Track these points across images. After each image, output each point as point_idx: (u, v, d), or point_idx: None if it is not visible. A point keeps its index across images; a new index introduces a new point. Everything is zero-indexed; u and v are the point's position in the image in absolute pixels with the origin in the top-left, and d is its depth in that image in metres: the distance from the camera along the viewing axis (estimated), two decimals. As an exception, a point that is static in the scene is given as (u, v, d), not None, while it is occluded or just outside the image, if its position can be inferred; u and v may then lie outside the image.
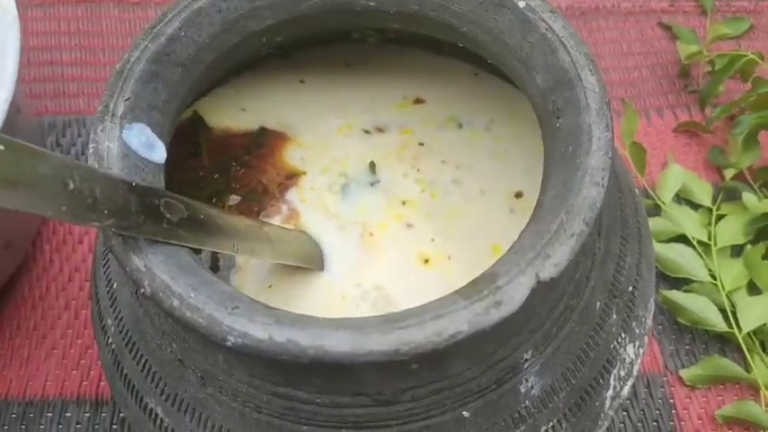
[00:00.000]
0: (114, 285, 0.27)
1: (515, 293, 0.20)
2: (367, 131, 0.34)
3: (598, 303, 0.25)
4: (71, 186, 0.18)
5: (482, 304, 0.20)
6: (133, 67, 0.25)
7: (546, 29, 0.26)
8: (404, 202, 0.32)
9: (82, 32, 0.46)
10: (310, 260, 0.29)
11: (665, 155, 0.46)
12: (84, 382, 0.36)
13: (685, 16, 0.52)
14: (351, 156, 0.33)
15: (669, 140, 0.47)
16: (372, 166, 0.33)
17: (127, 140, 0.24)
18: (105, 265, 0.27)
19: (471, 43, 0.29)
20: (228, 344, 0.20)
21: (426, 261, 0.31)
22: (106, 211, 0.19)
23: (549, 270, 0.20)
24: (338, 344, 0.19)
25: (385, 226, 0.32)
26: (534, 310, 0.22)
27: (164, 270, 0.21)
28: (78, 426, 0.35)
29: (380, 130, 0.34)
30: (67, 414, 0.35)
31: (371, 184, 0.32)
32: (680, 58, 0.49)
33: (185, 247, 0.22)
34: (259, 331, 0.20)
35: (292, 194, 0.32)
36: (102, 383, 0.36)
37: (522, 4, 0.27)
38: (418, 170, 0.33)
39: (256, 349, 0.20)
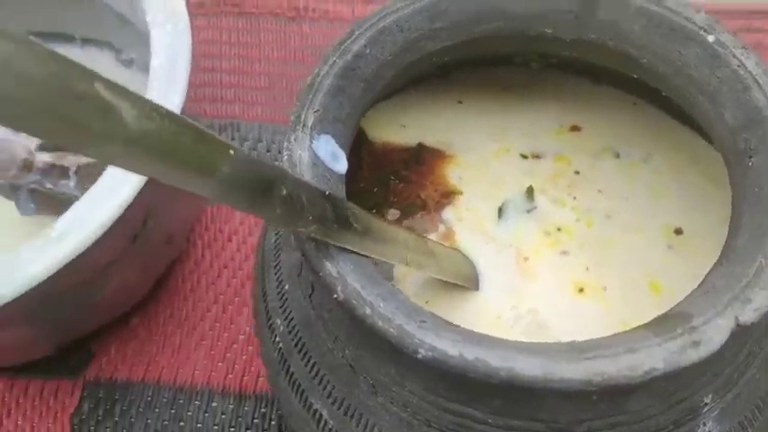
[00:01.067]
0: (285, 286, 0.28)
1: (714, 335, 0.19)
2: (524, 156, 0.34)
3: (781, 352, 0.24)
4: (284, 192, 0.19)
5: (677, 342, 0.20)
6: (322, 81, 0.27)
7: (738, 65, 0.26)
8: (559, 229, 0.32)
9: (241, 43, 0.49)
10: (467, 279, 0.30)
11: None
12: (230, 375, 0.37)
13: None
14: (507, 179, 0.33)
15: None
16: (530, 191, 0.33)
17: (316, 150, 0.25)
18: (276, 265, 0.29)
19: (649, 75, 0.29)
20: (419, 356, 0.20)
21: (581, 290, 0.30)
22: (310, 218, 0.20)
23: (749, 314, 0.20)
24: (530, 368, 0.19)
25: (540, 251, 0.31)
26: (722, 353, 0.22)
27: (354, 278, 0.22)
28: (223, 416, 0.36)
29: (537, 156, 0.34)
30: (213, 404, 0.37)
31: (528, 211, 0.32)
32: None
33: (366, 257, 0.23)
34: (449, 347, 0.20)
35: (448, 213, 0.33)
36: (245, 378, 0.37)
37: (711, 39, 0.26)
38: (574, 198, 0.33)
39: (446, 364, 0.20)
